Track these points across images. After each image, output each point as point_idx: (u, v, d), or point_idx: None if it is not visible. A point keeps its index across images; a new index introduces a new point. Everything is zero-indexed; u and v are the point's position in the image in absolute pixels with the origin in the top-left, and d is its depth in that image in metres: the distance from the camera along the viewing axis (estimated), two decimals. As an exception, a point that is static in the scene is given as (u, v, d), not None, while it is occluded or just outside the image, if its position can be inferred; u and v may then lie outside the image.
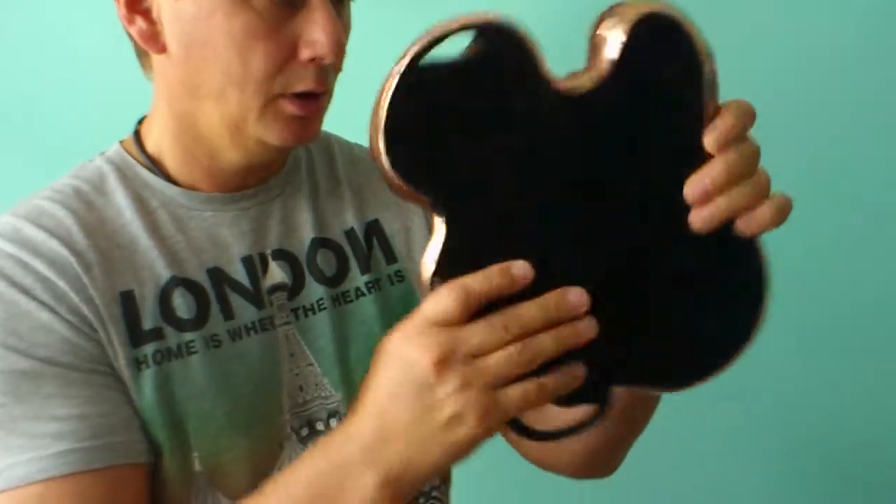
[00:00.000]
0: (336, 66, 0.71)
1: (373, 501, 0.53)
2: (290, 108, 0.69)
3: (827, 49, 1.25)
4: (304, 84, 0.68)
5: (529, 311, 0.51)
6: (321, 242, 0.80)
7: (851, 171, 1.29)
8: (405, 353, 0.51)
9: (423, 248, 0.81)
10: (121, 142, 0.78)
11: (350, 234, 0.81)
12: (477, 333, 0.50)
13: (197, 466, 0.70)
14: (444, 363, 0.50)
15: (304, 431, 0.76)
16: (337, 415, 0.77)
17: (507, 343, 0.51)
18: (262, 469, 0.73)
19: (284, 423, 0.75)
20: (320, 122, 0.73)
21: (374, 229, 0.83)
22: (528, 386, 0.51)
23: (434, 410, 0.51)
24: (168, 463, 0.70)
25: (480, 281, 0.51)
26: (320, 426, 0.76)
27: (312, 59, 0.67)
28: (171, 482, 0.70)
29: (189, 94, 0.71)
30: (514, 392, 0.51)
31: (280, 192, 0.79)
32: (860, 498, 1.39)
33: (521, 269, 0.51)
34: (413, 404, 0.51)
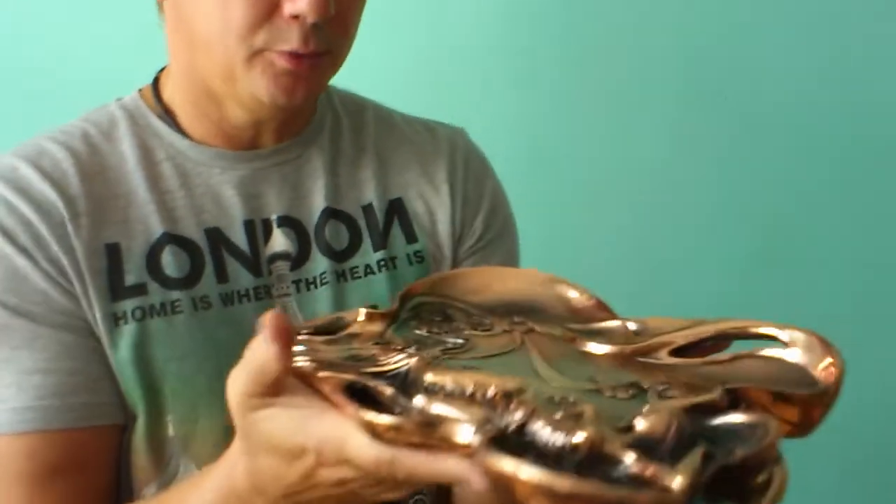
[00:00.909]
0: (337, 28, 0.66)
1: None
2: (277, 61, 0.64)
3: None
4: (289, 43, 0.64)
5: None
6: (333, 213, 0.75)
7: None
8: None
9: (447, 231, 0.78)
10: (139, 90, 0.75)
11: (367, 208, 0.77)
12: None
13: (170, 431, 0.67)
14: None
15: None
16: None
17: None
18: None
19: None
20: (317, 83, 0.68)
21: (396, 207, 0.78)
22: None
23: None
24: (141, 425, 0.67)
25: None
26: None
27: (296, 17, 0.63)
28: (142, 446, 0.67)
29: (186, 44, 0.68)
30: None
31: (296, 155, 0.75)
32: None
33: None
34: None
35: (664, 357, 0.47)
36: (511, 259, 0.82)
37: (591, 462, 0.36)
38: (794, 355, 0.45)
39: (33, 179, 0.67)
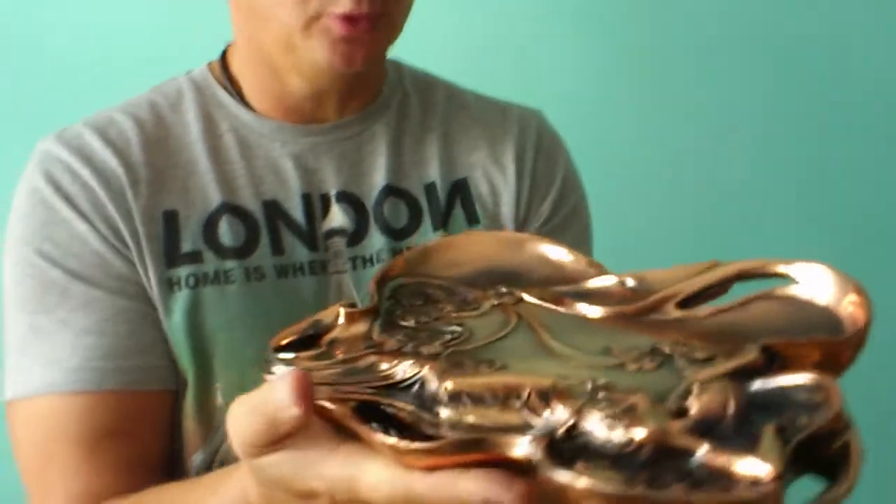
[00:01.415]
0: None
1: None
2: (334, 27, 0.63)
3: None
4: (342, 6, 0.62)
5: None
6: (394, 191, 0.74)
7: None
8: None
9: (511, 214, 0.76)
10: (209, 63, 0.76)
11: (430, 188, 0.75)
12: None
13: (219, 399, 0.68)
14: None
15: None
16: None
17: None
18: None
19: None
20: (375, 47, 0.67)
21: (459, 187, 0.76)
22: None
23: None
24: (191, 392, 0.67)
25: None
26: None
27: None
28: (192, 412, 0.68)
29: (246, 16, 0.69)
30: None
31: (360, 131, 0.74)
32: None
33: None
34: None
35: (671, 311, 0.43)
36: (580, 245, 0.79)
37: (656, 458, 0.33)
38: (811, 293, 0.40)
39: (97, 147, 0.68)
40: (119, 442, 0.65)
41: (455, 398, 0.37)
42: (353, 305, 0.45)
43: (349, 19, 0.63)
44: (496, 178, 0.77)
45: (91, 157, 0.68)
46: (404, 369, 0.39)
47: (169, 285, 0.67)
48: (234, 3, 0.70)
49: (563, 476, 0.32)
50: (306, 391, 0.37)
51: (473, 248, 0.51)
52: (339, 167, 0.73)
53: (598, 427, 0.34)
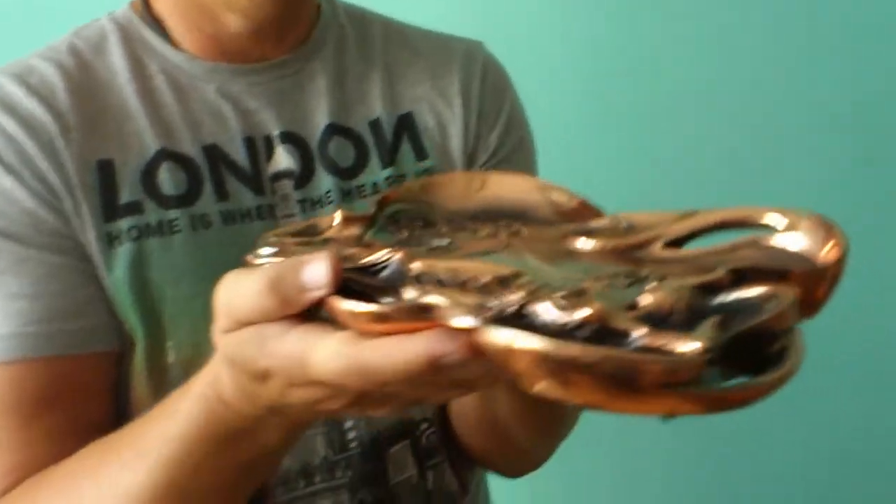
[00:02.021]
0: None
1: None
2: None
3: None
4: None
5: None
6: (338, 130, 0.71)
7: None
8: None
9: (460, 146, 0.74)
10: (131, 2, 0.71)
11: (375, 124, 0.72)
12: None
13: (170, 357, 0.64)
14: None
15: None
16: None
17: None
18: None
19: None
20: None
21: (405, 122, 0.74)
22: None
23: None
24: (140, 352, 0.64)
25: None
26: None
27: None
28: (142, 374, 0.64)
29: None
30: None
31: (297, 69, 0.71)
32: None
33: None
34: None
35: (658, 250, 0.44)
36: None
37: (597, 339, 0.33)
38: (796, 241, 0.41)
39: (19, 95, 0.63)
40: (58, 409, 0.62)
41: (419, 279, 0.39)
42: (351, 209, 0.47)
43: None
44: (443, 110, 0.74)
45: (14, 107, 0.63)
46: (379, 254, 0.40)
47: (109, 240, 0.63)
48: None
49: (497, 335, 0.33)
50: (338, 279, 0.38)
51: (480, 184, 0.52)
52: (280, 107, 0.70)
53: (547, 308, 0.34)
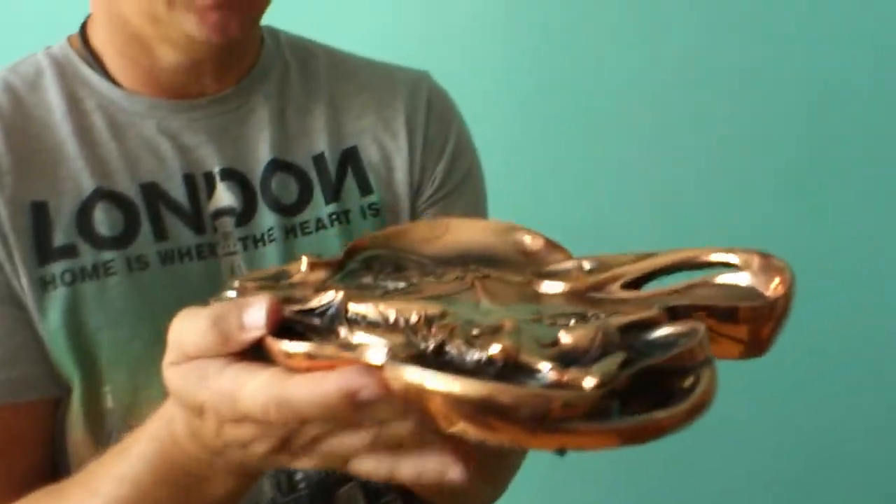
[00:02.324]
0: None
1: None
2: None
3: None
4: None
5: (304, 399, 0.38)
6: (281, 165, 0.70)
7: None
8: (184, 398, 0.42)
9: (405, 180, 0.74)
10: (68, 37, 0.70)
11: (319, 159, 0.71)
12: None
13: (109, 403, 0.63)
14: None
15: None
16: None
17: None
18: None
19: None
20: (250, 14, 0.63)
21: (349, 156, 0.73)
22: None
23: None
24: (76, 398, 0.62)
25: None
26: None
27: None
28: (79, 419, 0.63)
29: None
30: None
31: (239, 104, 0.70)
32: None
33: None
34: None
35: (616, 291, 0.45)
36: (475, 210, 0.77)
37: (508, 374, 0.34)
38: (746, 278, 0.43)
39: None
40: None
41: (353, 320, 0.40)
42: (319, 256, 0.48)
43: None
44: (387, 143, 0.74)
45: None
46: (321, 298, 0.41)
47: (42, 284, 0.61)
48: None
49: (405, 377, 0.33)
50: (275, 321, 0.39)
51: (452, 230, 0.53)
52: (220, 143, 0.68)
53: (463, 346, 0.35)
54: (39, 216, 0.62)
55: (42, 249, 0.62)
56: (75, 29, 0.70)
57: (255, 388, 0.38)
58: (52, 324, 0.61)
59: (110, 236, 0.64)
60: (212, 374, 0.40)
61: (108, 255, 0.63)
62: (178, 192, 0.66)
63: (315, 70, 0.75)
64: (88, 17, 0.69)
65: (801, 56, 1.17)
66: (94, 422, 0.63)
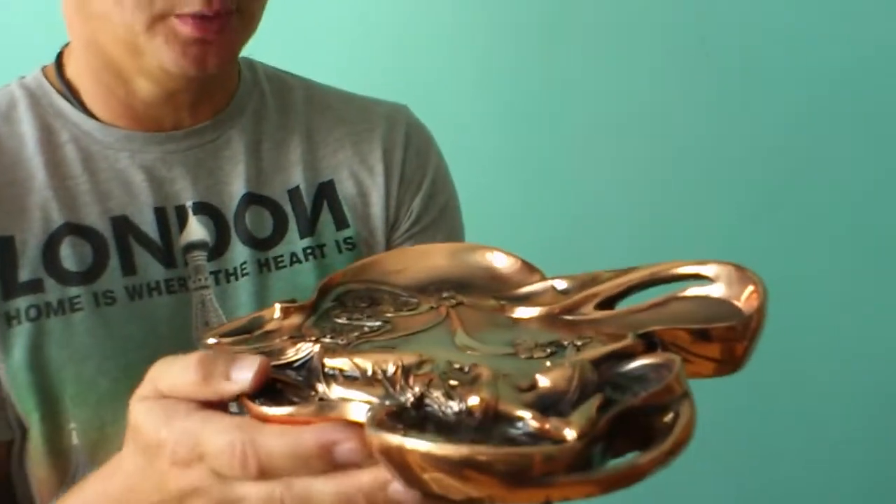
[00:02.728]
0: None
1: None
2: (182, 28, 0.58)
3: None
4: (191, 5, 0.57)
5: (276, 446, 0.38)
6: (255, 199, 0.70)
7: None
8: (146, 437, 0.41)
9: (381, 214, 0.73)
10: (43, 68, 0.69)
11: (294, 192, 0.71)
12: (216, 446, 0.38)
13: (74, 440, 0.62)
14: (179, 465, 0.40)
15: None
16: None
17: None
18: None
19: None
20: (229, 47, 0.62)
21: (325, 191, 0.72)
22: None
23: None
24: (37, 435, 0.61)
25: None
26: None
27: None
28: (41, 458, 0.62)
29: (83, 16, 0.62)
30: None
31: (214, 137, 0.69)
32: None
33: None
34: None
35: (590, 311, 0.45)
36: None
37: (489, 425, 0.35)
38: (718, 290, 0.43)
39: None
40: None
41: (331, 375, 0.40)
42: (293, 301, 0.48)
43: (199, 19, 0.58)
44: (364, 178, 0.73)
45: None
46: (298, 350, 0.42)
47: (6, 319, 0.61)
48: (68, 2, 0.64)
49: (383, 438, 0.33)
50: (260, 383, 0.40)
51: (421, 257, 0.53)
52: (195, 177, 0.68)
53: (442, 398, 0.36)
54: (6, 251, 0.62)
55: (7, 284, 0.61)
56: (48, 58, 0.69)
57: (222, 427, 0.38)
58: (15, 360, 0.60)
59: (77, 272, 0.63)
60: (180, 414, 0.39)
61: (74, 290, 0.62)
62: (148, 225, 0.66)
63: (292, 103, 0.75)
64: (65, 46, 0.69)
65: (798, 58, 1.16)
66: (59, 458, 0.62)
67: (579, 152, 1.19)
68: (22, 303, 0.61)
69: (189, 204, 0.67)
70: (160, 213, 0.66)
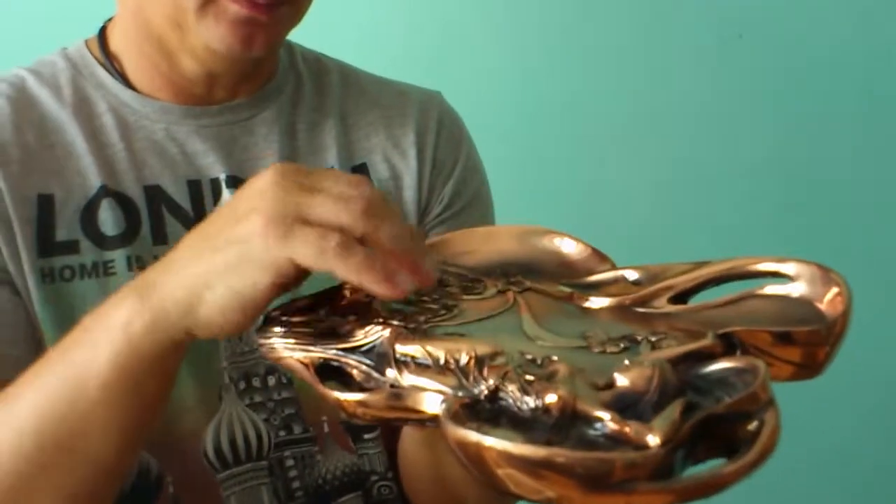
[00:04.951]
0: None
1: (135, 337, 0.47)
2: (231, 7, 0.60)
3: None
4: None
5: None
6: None
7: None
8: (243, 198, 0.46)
9: (414, 198, 0.74)
10: (86, 40, 0.71)
11: None
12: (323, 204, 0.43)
13: None
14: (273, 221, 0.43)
15: (242, 385, 0.67)
16: (275, 372, 0.67)
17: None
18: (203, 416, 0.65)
19: (222, 370, 0.67)
20: (277, 32, 0.64)
21: (359, 173, 0.73)
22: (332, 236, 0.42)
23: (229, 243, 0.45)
24: None
25: None
26: (256, 382, 0.67)
27: None
28: None
29: None
30: (311, 235, 0.42)
31: (250, 114, 0.70)
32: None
33: None
34: (206, 235, 0.46)
35: (664, 305, 0.44)
36: None
37: (566, 423, 0.34)
38: (799, 290, 0.42)
39: None
40: None
41: (402, 361, 0.40)
42: None
43: (251, 2, 0.59)
44: (397, 162, 0.74)
45: None
46: (367, 334, 0.43)
47: (41, 275, 0.61)
48: None
49: (460, 433, 0.33)
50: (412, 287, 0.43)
51: (490, 239, 0.53)
52: (227, 151, 0.69)
53: (517, 392, 0.35)
54: (45, 208, 0.63)
55: (44, 241, 0.62)
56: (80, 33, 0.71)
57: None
58: (47, 315, 0.61)
59: (112, 235, 0.64)
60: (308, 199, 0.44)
61: (109, 254, 0.63)
62: (181, 196, 0.67)
63: (328, 86, 0.75)
64: (109, 20, 0.71)
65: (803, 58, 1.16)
66: None
67: (595, 152, 1.19)
68: (57, 262, 0.62)
69: (223, 177, 0.68)
70: (194, 186, 0.67)
